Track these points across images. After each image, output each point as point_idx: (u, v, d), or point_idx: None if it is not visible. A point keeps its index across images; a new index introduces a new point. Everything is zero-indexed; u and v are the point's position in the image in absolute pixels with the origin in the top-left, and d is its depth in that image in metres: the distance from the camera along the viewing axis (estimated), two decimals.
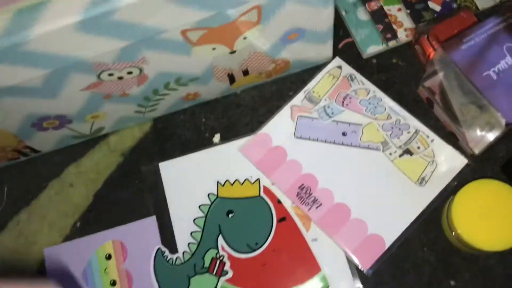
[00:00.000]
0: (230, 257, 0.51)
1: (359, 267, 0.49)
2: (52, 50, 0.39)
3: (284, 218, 0.51)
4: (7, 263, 0.54)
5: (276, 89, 0.56)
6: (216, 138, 0.56)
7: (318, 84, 0.54)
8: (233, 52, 0.47)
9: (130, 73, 0.45)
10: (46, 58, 0.39)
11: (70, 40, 0.38)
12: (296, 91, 0.55)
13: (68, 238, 0.54)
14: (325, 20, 0.48)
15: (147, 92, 0.50)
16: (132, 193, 0.55)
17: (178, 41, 0.43)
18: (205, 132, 0.56)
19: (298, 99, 0.54)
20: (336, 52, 0.55)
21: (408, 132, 0.52)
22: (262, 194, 0.52)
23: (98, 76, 0.44)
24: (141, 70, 0.45)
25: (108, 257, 0.52)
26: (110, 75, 0.44)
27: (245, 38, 0.46)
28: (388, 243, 0.49)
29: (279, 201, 0.52)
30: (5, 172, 0.57)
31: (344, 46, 0.57)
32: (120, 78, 0.45)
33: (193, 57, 0.46)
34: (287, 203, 0.52)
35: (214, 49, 0.46)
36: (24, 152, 0.55)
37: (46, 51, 0.38)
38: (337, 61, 0.55)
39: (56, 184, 0.56)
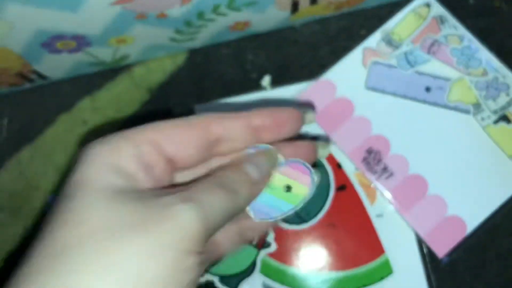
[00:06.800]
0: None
1: (432, 253, 0.40)
2: None
3: (344, 186, 0.42)
4: (5, 210, 0.45)
5: (344, 25, 0.46)
6: (266, 80, 0.45)
7: (400, 24, 0.44)
8: None
9: None
10: None
11: None
12: (370, 31, 0.44)
13: None
14: None
15: (190, 15, 0.39)
16: None
17: None
18: (252, 72, 0.46)
19: (373, 40, 0.44)
20: None
21: (507, 94, 0.42)
22: None
23: None
24: None
25: None
26: None
27: None
28: (469, 228, 0.40)
29: (339, 166, 0.43)
30: (6, 101, 0.47)
31: None
32: None
33: None
34: (349, 169, 0.42)
35: None
36: (30, 78, 0.45)
37: None
38: None
39: (66, 119, 0.47)
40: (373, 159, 0.42)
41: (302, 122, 0.29)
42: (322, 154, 0.32)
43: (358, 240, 0.41)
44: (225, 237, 0.28)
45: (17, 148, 0.46)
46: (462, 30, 0.43)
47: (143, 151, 0.24)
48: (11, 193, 0.46)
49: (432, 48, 0.43)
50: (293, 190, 0.29)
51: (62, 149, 0.46)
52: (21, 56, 0.41)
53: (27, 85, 0.47)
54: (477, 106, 0.42)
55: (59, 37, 0.39)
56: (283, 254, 0.42)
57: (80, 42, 0.40)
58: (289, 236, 0.42)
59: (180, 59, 0.47)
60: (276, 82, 0.45)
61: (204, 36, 0.44)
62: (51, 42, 0.39)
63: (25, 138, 0.47)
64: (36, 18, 0.35)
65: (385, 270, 0.41)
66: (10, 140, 0.47)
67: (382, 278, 0.41)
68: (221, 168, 0.27)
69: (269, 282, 0.41)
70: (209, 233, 0.22)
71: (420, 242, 0.41)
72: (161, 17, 0.38)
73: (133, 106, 0.46)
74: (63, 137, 0.46)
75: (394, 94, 0.43)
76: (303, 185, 0.29)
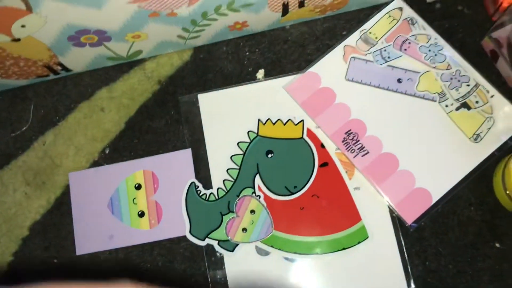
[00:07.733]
0: (267, 198, 0.48)
1: (402, 221, 0.47)
2: None
3: (326, 163, 0.49)
4: (31, 184, 0.52)
5: (328, 27, 0.53)
6: (260, 73, 0.52)
7: (376, 25, 0.51)
8: None
9: None
10: None
11: None
12: (350, 31, 0.51)
13: (95, 164, 0.52)
14: None
15: (196, 14, 0.46)
16: (167, 123, 0.52)
17: None
18: (248, 67, 0.53)
19: (352, 39, 0.51)
20: None
21: (468, 85, 0.49)
22: (305, 136, 0.49)
23: None
24: None
25: (138, 187, 0.50)
26: None
27: None
28: (434, 199, 0.47)
29: (322, 146, 0.49)
30: (33, 89, 0.54)
31: None
32: None
33: None
34: (331, 148, 0.49)
35: None
36: (55, 70, 0.52)
37: None
38: (399, 2, 0.51)
39: (86, 107, 0.53)
40: (351, 139, 0.48)
41: None
42: None
43: (338, 209, 0.48)
44: None
45: (42, 131, 0.53)
46: (429, 30, 0.50)
47: None
48: (36, 170, 0.52)
49: (403, 46, 0.50)
50: None
51: (82, 132, 0.53)
52: (50, 48, 0.47)
53: (52, 76, 0.53)
54: (442, 95, 0.49)
55: (84, 31, 0.45)
56: (274, 221, 0.48)
57: (101, 37, 0.47)
58: (278, 206, 0.48)
59: (186, 55, 0.53)
60: (269, 74, 0.52)
61: (207, 35, 0.51)
62: (77, 36, 0.46)
63: (49, 122, 0.53)
64: (66, 14, 0.42)
65: (362, 235, 0.47)
66: (35, 124, 0.53)
67: (359, 242, 0.47)
68: None
69: (261, 245, 0.47)
70: None
71: (392, 211, 0.47)
72: (171, 16, 0.45)
73: (145, 96, 0.53)
74: (83, 122, 0.53)
75: (370, 84, 0.49)
76: None
